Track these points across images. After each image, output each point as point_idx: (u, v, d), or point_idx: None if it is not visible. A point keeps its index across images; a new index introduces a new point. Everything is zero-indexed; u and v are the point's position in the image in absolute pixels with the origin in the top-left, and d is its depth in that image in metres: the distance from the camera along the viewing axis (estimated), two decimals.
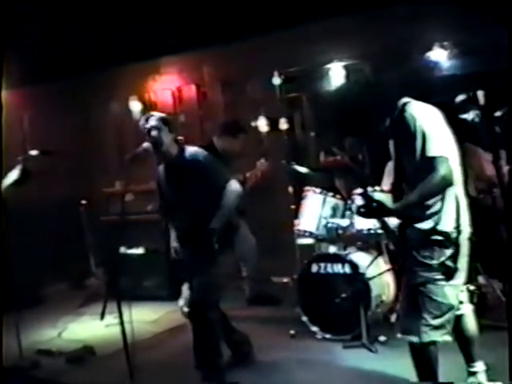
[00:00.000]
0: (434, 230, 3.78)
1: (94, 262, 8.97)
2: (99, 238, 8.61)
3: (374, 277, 5.84)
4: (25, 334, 6.07)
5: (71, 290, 9.24)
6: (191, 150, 5.14)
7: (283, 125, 7.70)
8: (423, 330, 3.81)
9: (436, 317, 3.82)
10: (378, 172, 5.86)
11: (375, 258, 6.10)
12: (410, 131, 3.76)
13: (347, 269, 5.86)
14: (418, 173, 3.74)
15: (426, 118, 3.82)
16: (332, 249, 6.22)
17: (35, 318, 7.55)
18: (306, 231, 6.31)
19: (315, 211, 6.25)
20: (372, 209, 3.77)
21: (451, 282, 3.84)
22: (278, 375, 5.30)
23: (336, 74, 7.37)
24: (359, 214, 3.87)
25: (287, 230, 6.87)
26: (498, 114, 5.35)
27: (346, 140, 6.58)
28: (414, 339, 3.83)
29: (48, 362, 6.08)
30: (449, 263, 3.80)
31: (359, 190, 5.85)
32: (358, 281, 5.75)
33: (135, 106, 9.42)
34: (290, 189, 7.17)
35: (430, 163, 3.69)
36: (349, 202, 6.19)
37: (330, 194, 6.32)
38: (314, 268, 6.04)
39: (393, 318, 5.91)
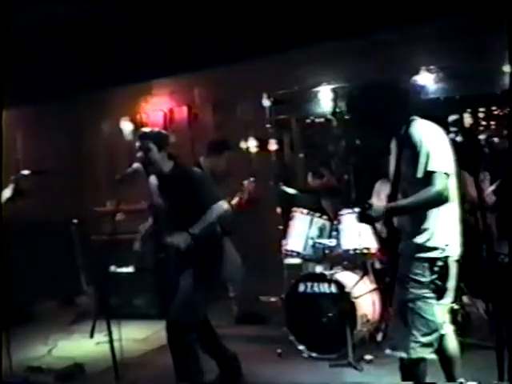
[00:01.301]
0: (425, 246, 3.85)
1: (84, 280, 9.01)
2: (90, 257, 8.66)
3: (359, 296, 5.92)
4: (15, 350, 6.07)
5: (62, 308, 9.20)
6: (185, 167, 5.18)
7: (272, 146, 7.78)
8: (412, 346, 3.84)
9: (425, 334, 3.85)
10: (365, 192, 5.95)
11: (361, 277, 6.16)
12: (415, 147, 3.83)
13: (333, 288, 5.92)
14: (416, 188, 3.81)
15: (430, 135, 3.89)
16: (319, 268, 6.26)
17: (26, 335, 7.52)
18: (293, 251, 6.37)
19: (302, 232, 6.31)
20: (368, 215, 3.87)
21: (441, 302, 3.90)
22: None
23: (324, 97, 7.47)
24: (359, 219, 3.95)
25: (275, 250, 6.93)
26: (482, 137, 5.48)
27: (333, 161, 6.68)
28: (403, 355, 3.86)
29: (38, 379, 6.06)
30: (438, 282, 3.86)
31: (347, 210, 5.98)
32: (344, 300, 5.81)
33: (127, 126, 9.53)
34: (278, 209, 7.26)
35: (428, 178, 3.76)
36: (335, 222, 6.26)
37: (317, 214, 6.38)
38: (301, 287, 6.09)
39: (379, 336, 5.98)
